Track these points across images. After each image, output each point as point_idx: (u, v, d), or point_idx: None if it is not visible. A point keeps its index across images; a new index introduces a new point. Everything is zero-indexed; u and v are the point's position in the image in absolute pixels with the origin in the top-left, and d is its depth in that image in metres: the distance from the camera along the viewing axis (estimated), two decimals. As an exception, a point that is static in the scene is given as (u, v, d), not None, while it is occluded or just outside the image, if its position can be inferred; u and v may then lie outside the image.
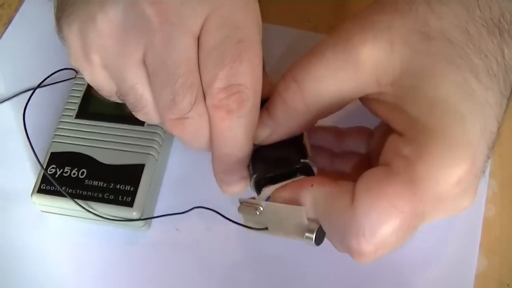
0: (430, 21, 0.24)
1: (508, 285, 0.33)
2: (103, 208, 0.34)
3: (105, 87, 0.29)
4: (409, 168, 0.23)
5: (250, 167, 0.29)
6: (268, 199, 0.28)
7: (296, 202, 0.26)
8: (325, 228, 0.26)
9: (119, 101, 0.30)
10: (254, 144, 0.29)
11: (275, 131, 0.28)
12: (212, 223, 0.36)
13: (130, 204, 0.33)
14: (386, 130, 0.27)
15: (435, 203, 0.24)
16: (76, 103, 0.37)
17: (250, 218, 0.28)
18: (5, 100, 0.41)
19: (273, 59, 0.41)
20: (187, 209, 0.34)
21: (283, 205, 0.27)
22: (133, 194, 0.34)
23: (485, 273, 0.33)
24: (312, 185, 0.26)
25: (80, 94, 0.38)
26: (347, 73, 0.25)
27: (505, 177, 0.36)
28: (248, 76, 0.26)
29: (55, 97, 0.40)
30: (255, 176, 0.29)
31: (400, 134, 0.25)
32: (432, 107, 0.24)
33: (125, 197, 0.34)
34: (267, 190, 0.28)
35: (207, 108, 0.27)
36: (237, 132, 0.27)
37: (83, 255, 0.35)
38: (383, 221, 0.23)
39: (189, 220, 0.36)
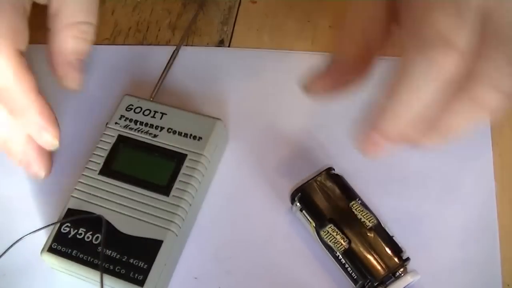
0: None
1: (508, 285, 0.32)
2: (111, 281, 0.31)
3: None
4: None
5: (353, 272, 0.31)
6: None
7: None
8: None
9: None
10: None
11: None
12: (232, 265, 0.33)
13: (141, 283, 0.31)
14: None
15: None
16: (102, 156, 0.35)
17: None
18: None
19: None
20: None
21: None
22: (145, 272, 0.31)
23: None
24: None
25: (108, 147, 0.35)
26: None
27: (505, 177, 0.35)
28: None
29: (80, 150, 0.38)
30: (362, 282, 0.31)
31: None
32: None
33: (136, 275, 0.31)
34: None
35: None
36: None
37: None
38: None
39: (207, 265, 0.34)
